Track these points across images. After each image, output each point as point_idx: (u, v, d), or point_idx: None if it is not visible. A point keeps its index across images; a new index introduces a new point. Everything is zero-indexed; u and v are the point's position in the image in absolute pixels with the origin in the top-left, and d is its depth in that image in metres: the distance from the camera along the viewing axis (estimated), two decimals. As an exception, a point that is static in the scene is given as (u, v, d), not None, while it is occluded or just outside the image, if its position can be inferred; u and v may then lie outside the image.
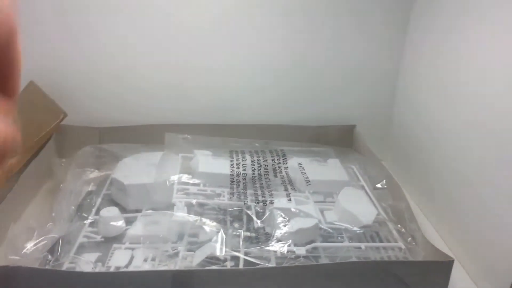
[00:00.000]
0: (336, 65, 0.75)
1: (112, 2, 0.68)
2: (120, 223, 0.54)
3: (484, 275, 0.51)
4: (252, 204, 0.57)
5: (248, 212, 0.56)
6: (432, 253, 0.48)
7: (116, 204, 0.59)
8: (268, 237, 0.52)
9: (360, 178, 0.68)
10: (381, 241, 0.54)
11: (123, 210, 0.57)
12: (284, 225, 0.52)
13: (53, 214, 0.53)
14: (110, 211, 0.55)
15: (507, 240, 0.46)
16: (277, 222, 0.53)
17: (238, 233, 0.52)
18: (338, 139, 0.78)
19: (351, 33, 0.73)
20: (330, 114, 0.79)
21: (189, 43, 0.72)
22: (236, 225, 0.54)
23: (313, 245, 0.52)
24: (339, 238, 0.53)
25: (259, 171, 0.64)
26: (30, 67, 0.65)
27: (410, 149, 0.72)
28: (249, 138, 0.75)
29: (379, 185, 0.64)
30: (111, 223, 0.53)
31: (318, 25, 0.72)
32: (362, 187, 0.65)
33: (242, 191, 0.60)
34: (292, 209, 0.55)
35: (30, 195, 0.63)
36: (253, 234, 0.52)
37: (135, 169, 0.61)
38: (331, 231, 0.54)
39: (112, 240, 0.53)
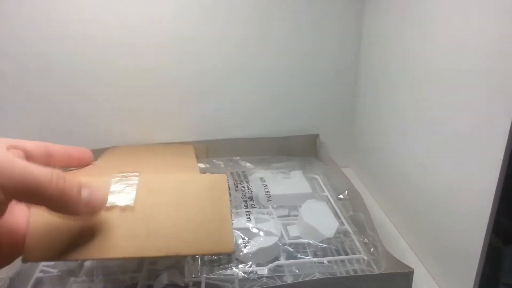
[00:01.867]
0: (296, 75, 0.75)
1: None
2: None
3: (450, 281, 0.51)
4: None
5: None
6: (392, 264, 0.48)
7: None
8: (229, 259, 0.51)
9: (324, 188, 0.67)
10: (346, 253, 0.54)
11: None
12: (245, 246, 0.51)
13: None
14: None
15: (471, 245, 0.46)
16: (237, 243, 0.52)
17: (197, 257, 0.50)
18: (302, 149, 0.78)
19: (308, 43, 0.73)
20: (293, 124, 0.79)
21: (149, 57, 0.70)
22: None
23: (275, 263, 0.51)
24: (298, 255, 0.52)
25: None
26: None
27: (373, 156, 0.73)
28: (211, 153, 0.74)
29: (341, 196, 0.64)
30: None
31: (275, 35, 0.72)
32: (326, 198, 0.65)
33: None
34: (252, 229, 0.54)
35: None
36: (214, 257, 0.51)
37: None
38: (291, 249, 0.53)
39: (70, 273, 0.51)
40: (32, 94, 0.69)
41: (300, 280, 0.48)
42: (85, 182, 0.35)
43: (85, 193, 0.34)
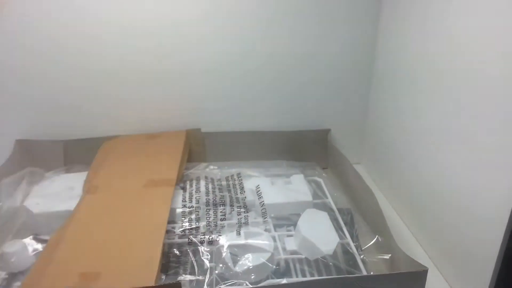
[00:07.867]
0: (310, 70, 0.72)
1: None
2: (23, 258, 0.48)
3: (462, 280, 0.49)
4: (204, 238, 0.51)
5: (191, 252, 0.49)
6: (406, 263, 0.45)
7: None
8: (219, 279, 0.46)
9: (327, 193, 0.62)
10: (344, 272, 0.49)
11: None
12: (234, 265, 0.46)
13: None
14: (15, 245, 0.49)
15: (484, 246, 0.44)
16: (226, 261, 0.46)
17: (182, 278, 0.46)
18: (313, 144, 0.75)
19: (323, 38, 0.69)
20: (305, 119, 0.75)
21: (158, 46, 0.66)
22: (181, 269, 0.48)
23: (268, 282, 0.45)
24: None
25: (214, 200, 0.58)
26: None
27: (387, 154, 0.69)
28: (220, 146, 0.72)
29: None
30: (13, 259, 0.48)
31: (290, 31, 0.68)
32: (328, 205, 0.59)
33: (195, 225, 0.53)
34: (243, 244, 0.49)
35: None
36: (200, 278, 0.46)
37: (51, 194, 0.55)
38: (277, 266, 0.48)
39: (20, 275, 0.48)
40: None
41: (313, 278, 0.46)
42: None
43: None
